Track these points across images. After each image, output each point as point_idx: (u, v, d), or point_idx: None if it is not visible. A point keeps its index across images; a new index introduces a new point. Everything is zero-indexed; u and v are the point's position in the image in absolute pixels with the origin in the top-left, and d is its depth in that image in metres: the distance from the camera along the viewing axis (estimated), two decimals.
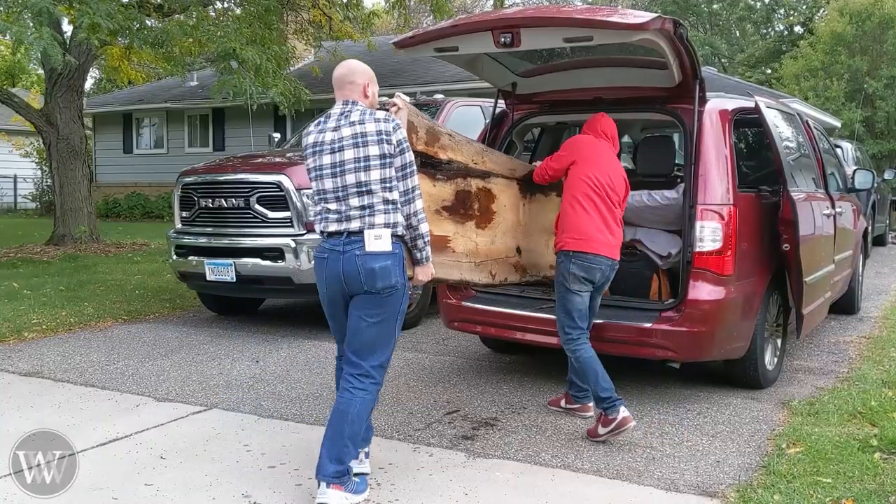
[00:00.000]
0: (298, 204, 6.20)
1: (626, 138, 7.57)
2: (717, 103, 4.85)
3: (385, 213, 3.29)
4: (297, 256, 6.16)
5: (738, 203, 4.56)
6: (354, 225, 3.28)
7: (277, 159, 6.83)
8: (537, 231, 5.16)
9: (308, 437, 4.11)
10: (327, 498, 3.22)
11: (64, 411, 4.56)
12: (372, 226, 3.27)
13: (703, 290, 4.47)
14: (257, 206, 6.37)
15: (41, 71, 19.55)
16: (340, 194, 3.31)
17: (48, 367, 5.56)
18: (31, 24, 8.08)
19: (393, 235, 3.31)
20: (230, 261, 6.44)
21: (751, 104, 5.05)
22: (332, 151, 3.33)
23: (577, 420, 4.39)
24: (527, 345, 5.30)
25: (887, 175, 14.35)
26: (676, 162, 6.00)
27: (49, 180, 19.73)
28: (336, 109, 3.42)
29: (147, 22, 10.57)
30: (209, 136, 20.66)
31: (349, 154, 3.29)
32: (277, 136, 9.64)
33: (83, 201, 13.00)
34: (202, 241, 6.71)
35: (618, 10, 4.74)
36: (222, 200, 6.54)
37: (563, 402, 4.61)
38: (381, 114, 3.38)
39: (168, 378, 5.27)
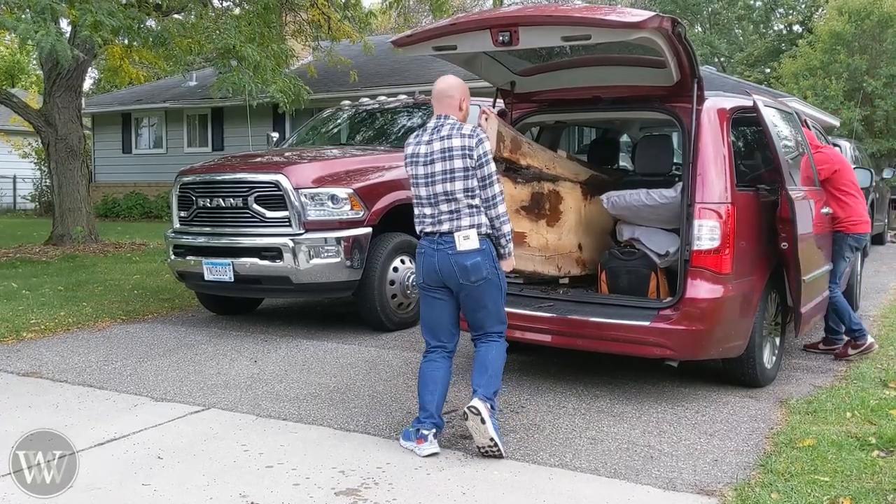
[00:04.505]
0: (296, 203, 6.19)
1: (624, 137, 7.58)
2: (716, 102, 4.84)
3: (469, 216, 3.81)
4: (295, 256, 6.15)
5: (736, 201, 4.55)
6: (445, 227, 3.82)
7: (276, 159, 6.81)
8: (594, 230, 5.70)
9: (306, 437, 4.11)
10: (475, 404, 3.74)
11: (62, 411, 4.56)
12: (459, 228, 3.80)
13: (701, 289, 4.47)
14: (255, 206, 6.36)
15: (40, 72, 19.54)
16: (432, 201, 3.84)
17: (46, 367, 5.56)
18: (35, 22, 8.07)
19: (479, 234, 3.81)
20: (228, 260, 6.42)
21: (749, 103, 5.05)
22: (426, 163, 3.84)
23: (575, 419, 4.39)
24: (525, 343, 5.29)
25: (886, 174, 14.37)
26: (675, 161, 6.00)
27: (48, 180, 19.72)
28: (431, 123, 3.92)
29: (148, 22, 10.56)
30: (208, 135, 20.64)
31: (438, 167, 3.81)
32: (276, 135, 9.64)
33: (82, 201, 13.00)
34: (200, 240, 6.69)
35: (616, 9, 4.73)
36: (220, 200, 6.53)
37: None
38: (467, 129, 3.85)
39: (166, 378, 5.26)
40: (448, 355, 4.02)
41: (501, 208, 3.89)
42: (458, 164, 3.78)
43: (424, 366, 4.00)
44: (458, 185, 3.78)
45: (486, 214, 3.85)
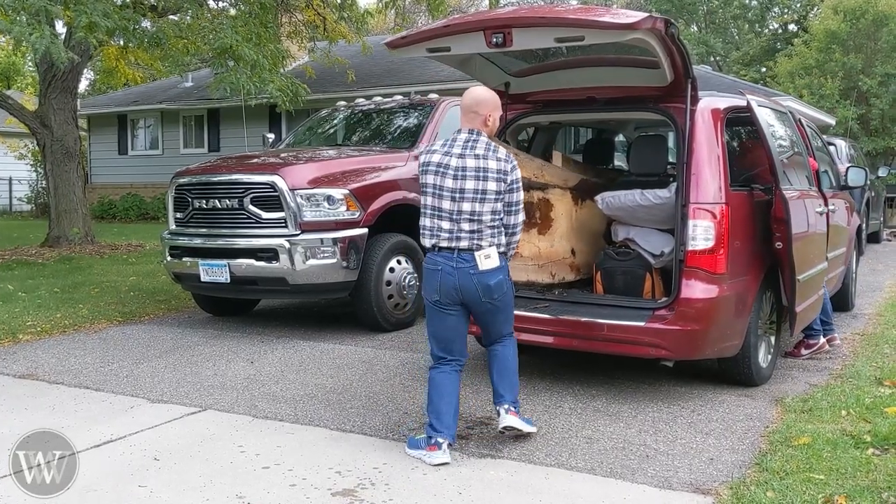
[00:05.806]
0: (292, 204, 6.19)
1: (619, 137, 7.59)
2: (709, 102, 4.86)
3: (491, 237, 3.78)
4: (291, 257, 6.16)
5: (731, 201, 4.57)
6: (464, 244, 3.75)
7: (272, 160, 6.81)
8: (586, 234, 5.68)
9: (303, 438, 4.12)
10: (508, 422, 3.88)
11: (58, 413, 4.56)
12: (480, 247, 3.75)
13: (695, 289, 4.48)
14: (251, 207, 6.36)
15: (36, 73, 19.52)
16: (455, 217, 3.74)
17: (42, 369, 5.56)
18: (29, 24, 8.07)
19: (498, 252, 3.81)
20: (224, 262, 6.42)
21: (743, 103, 5.06)
22: (455, 178, 3.74)
23: (571, 419, 4.40)
24: (522, 344, 5.29)
25: (881, 172, 14.40)
26: (670, 161, 6.01)
27: (44, 182, 19.71)
28: (462, 136, 3.82)
29: (143, 23, 10.56)
30: (204, 136, 20.64)
31: (470, 184, 3.72)
32: (272, 136, 9.62)
33: (78, 203, 12.98)
34: (196, 241, 6.69)
35: (610, 10, 4.75)
36: (216, 201, 6.53)
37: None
38: (502, 152, 3.80)
39: (162, 379, 5.26)
40: (461, 368, 3.95)
41: (517, 237, 3.91)
42: (492, 186, 3.72)
43: (439, 376, 3.89)
44: (488, 206, 3.73)
45: (504, 238, 3.83)
